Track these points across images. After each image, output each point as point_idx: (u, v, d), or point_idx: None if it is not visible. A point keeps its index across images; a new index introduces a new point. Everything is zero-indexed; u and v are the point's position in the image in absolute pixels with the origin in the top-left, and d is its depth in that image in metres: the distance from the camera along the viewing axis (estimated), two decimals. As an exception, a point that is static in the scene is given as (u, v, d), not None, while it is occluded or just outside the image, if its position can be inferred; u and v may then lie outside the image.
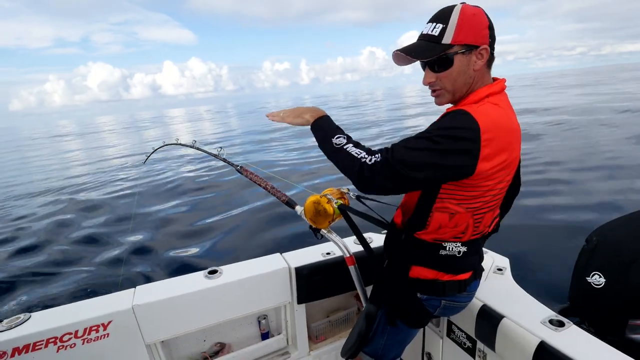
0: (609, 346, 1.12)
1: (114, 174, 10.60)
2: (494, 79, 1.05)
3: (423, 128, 0.98)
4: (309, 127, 1.15)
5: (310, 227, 1.39)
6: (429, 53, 0.98)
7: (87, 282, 3.93)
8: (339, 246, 1.44)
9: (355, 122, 19.76)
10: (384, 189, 0.95)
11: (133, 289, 1.58)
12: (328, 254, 1.81)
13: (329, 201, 1.30)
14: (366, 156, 0.96)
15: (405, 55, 1.00)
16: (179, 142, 2.14)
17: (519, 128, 1.03)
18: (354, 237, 1.91)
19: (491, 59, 1.01)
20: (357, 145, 1.01)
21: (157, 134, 30.15)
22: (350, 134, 1.07)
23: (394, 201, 1.37)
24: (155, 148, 2.27)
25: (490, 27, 0.99)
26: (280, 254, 1.85)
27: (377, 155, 0.95)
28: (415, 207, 1.07)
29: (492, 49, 1.00)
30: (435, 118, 1.04)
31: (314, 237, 1.42)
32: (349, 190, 1.41)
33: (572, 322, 1.23)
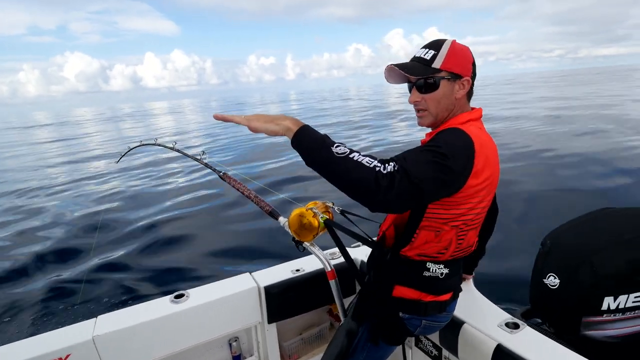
0: (560, 345, 1.23)
1: (85, 178, 9.65)
2: (472, 109, 1.16)
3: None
4: (289, 136, 0.95)
5: (293, 239, 1.38)
6: (419, 72, 1.07)
7: (37, 312, 3.59)
8: (321, 260, 1.45)
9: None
10: (402, 202, 0.87)
11: (94, 318, 1.47)
12: (297, 270, 1.82)
13: (315, 215, 1.29)
14: (379, 165, 0.87)
15: (398, 70, 1.07)
16: (157, 142, 1.95)
17: (496, 147, 1.10)
18: (327, 251, 1.94)
19: (471, 92, 1.13)
20: (360, 154, 0.90)
21: (136, 128, 27.76)
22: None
23: (378, 217, 1.41)
24: (131, 147, 2.07)
25: (474, 64, 1.11)
26: (250, 273, 1.83)
27: (391, 164, 0.87)
28: (407, 224, 1.11)
29: (473, 83, 1.12)
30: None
31: (296, 249, 1.42)
32: (333, 204, 1.43)
33: (526, 324, 1.33)
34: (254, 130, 0.99)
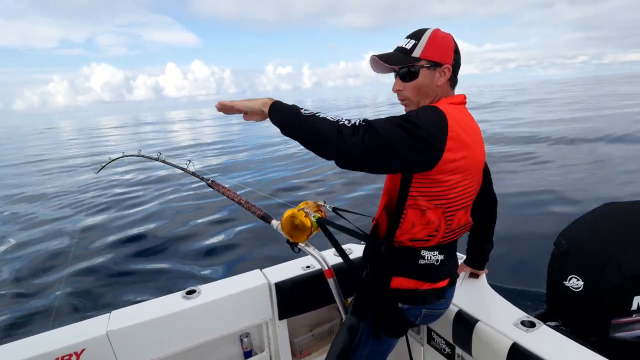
0: (579, 345, 1.17)
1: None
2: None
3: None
4: (265, 110, 1.05)
5: (288, 241, 1.39)
6: (398, 62, 1.10)
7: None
8: (317, 259, 1.45)
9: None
10: (366, 150, 0.92)
11: (108, 314, 1.53)
12: (308, 267, 1.81)
13: (307, 215, 1.30)
14: (344, 119, 0.95)
15: (379, 60, 1.10)
16: (140, 153, 1.95)
17: (479, 130, 1.12)
18: (332, 249, 1.92)
19: (454, 79, 1.14)
20: (328, 115, 0.99)
21: (157, 136, 29.08)
22: None
23: (371, 212, 1.40)
24: (112, 158, 2.03)
25: (456, 52, 1.12)
26: (260, 270, 1.84)
27: (357, 120, 0.94)
28: (396, 207, 1.12)
29: (456, 71, 1.13)
30: None
31: (292, 251, 1.42)
32: (325, 202, 1.42)
33: (542, 323, 1.27)
34: (238, 108, 1.08)
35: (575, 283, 1.43)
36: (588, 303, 1.41)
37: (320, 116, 0.96)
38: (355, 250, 1.93)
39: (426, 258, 1.13)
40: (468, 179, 1.09)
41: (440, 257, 1.14)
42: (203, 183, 1.77)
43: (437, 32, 1.10)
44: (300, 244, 1.39)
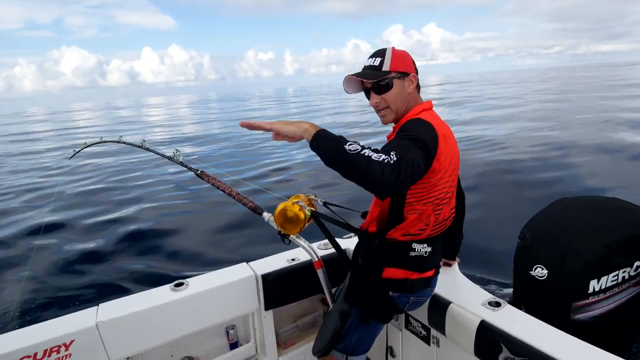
0: (539, 321, 1.30)
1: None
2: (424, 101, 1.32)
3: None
4: (308, 138, 1.05)
5: (279, 232, 1.43)
6: (373, 76, 1.23)
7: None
8: (307, 251, 1.50)
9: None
10: (407, 183, 1.01)
11: (96, 306, 1.53)
12: (293, 259, 1.87)
13: (301, 208, 1.34)
14: (386, 157, 0.98)
15: (355, 80, 1.24)
16: (121, 139, 1.79)
17: (451, 130, 1.26)
18: (318, 242, 1.99)
19: (418, 85, 1.30)
20: (370, 149, 1.01)
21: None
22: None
23: (358, 207, 1.49)
24: (88, 144, 1.83)
25: (414, 62, 1.28)
26: (247, 262, 1.88)
27: (392, 154, 0.98)
28: (390, 214, 1.23)
29: (417, 78, 1.28)
30: None
31: (282, 242, 1.47)
32: (316, 196, 1.47)
33: (507, 303, 1.40)
34: (277, 132, 1.09)
35: (539, 272, 1.57)
36: (551, 290, 1.55)
37: (366, 155, 0.97)
38: (340, 243, 2.00)
39: (416, 250, 1.24)
40: (452, 175, 1.22)
41: (429, 249, 1.26)
42: (191, 173, 1.71)
43: (394, 49, 1.26)
44: (291, 236, 1.43)
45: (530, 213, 1.76)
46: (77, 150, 1.87)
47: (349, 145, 0.99)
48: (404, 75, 1.23)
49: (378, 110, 1.28)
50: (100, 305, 1.55)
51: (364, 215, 1.43)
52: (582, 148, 8.13)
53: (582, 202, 1.77)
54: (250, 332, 1.92)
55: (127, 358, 1.56)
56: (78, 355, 1.39)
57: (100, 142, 1.82)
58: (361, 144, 1.01)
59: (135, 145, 1.80)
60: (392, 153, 0.98)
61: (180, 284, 1.68)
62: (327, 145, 1.02)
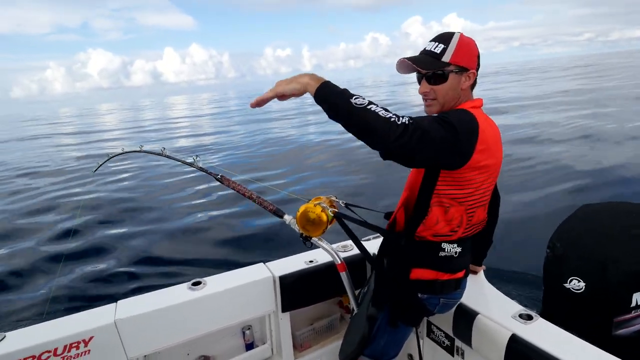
0: (575, 337, 1.21)
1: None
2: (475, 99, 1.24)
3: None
4: (311, 91, 1.02)
5: (301, 235, 1.40)
6: (430, 66, 1.14)
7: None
8: (330, 253, 1.46)
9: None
10: (411, 150, 0.95)
11: (114, 303, 1.54)
12: (311, 261, 1.82)
13: (323, 209, 1.31)
14: (394, 116, 0.95)
15: (410, 63, 1.14)
16: (142, 148, 1.82)
17: (499, 131, 1.18)
18: (336, 244, 1.94)
19: (474, 82, 1.21)
20: (378, 106, 0.98)
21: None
22: None
23: (381, 207, 1.43)
24: (110, 155, 1.87)
25: (478, 57, 1.18)
26: (264, 263, 1.85)
27: (406, 118, 0.95)
28: (417, 202, 1.17)
29: (477, 74, 1.20)
30: None
31: (304, 245, 1.43)
32: (337, 197, 1.43)
33: (539, 316, 1.31)
34: (281, 93, 1.06)
35: (576, 284, 1.44)
36: (590, 303, 1.43)
37: (372, 109, 0.95)
38: (351, 245, 1.95)
39: (446, 250, 1.18)
40: (490, 178, 1.15)
41: (459, 249, 1.20)
42: (211, 178, 1.70)
43: (462, 37, 1.15)
44: (314, 238, 1.40)
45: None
46: (100, 163, 1.90)
47: (355, 98, 0.97)
48: (463, 70, 1.14)
49: (424, 99, 1.21)
50: (119, 302, 1.55)
51: (387, 216, 1.37)
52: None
53: (611, 209, 1.65)
54: (266, 333, 1.89)
55: (145, 356, 1.56)
56: (97, 352, 1.40)
57: (122, 153, 1.85)
58: (368, 99, 0.98)
59: (155, 154, 1.81)
60: (405, 117, 0.96)
61: (198, 283, 1.67)
62: (331, 97, 1.00)
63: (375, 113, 0.94)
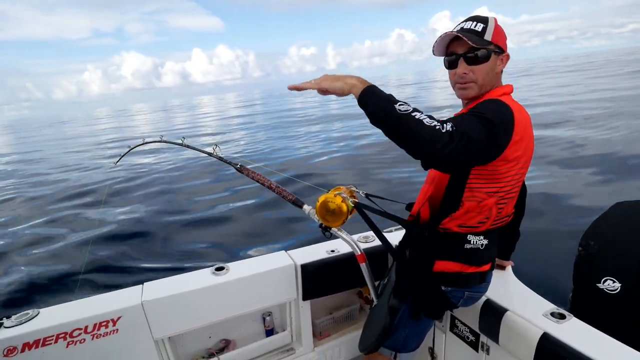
0: (609, 337, 1.16)
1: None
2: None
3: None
4: (356, 94, 1.00)
5: (321, 225, 1.40)
6: (476, 42, 1.08)
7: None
8: (350, 244, 1.45)
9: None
10: (457, 158, 0.92)
11: (140, 285, 1.60)
12: (332, 251, 1.83)
13: (343, 200, 1.30)
14: (438, 124, 0.92)
15: (447, 40, 1.13)
16: (163, 139, 1.86)
17: (531, 120, 1.13)
18: (358, 235, 1.93)
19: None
20: (423, 113, 0.95)
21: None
22: None
23: (402, 198, 1.41)
24: (131, 147, 1.91)
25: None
26: (286, 251, 1.87)
27: (449, 124, 0.92)
28: (445, 197, 1.14)
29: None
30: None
31: (323, 235, 1.43)
32: (357, 187, 1.42)
33: (572, 315, 1.26)
34: (324, 89, 1.05)
35: (610, 285, 1.38)
36: (626, 305, 1.36)
37: (417, 117, 0.91)
38: (373, 237, 1.94)
39: (472, 242, 1.15)
40: (523, 168, 1.12)
41: (485, 241, 1.17)
42: (231, 167, 1.73)
43: (496, 20, 1.13)
44: (333, 228, 1.39)
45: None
46: (122, 154, 1.96)
47: (400, 105, 0.94)
48: (501, 51, 1.12)
49: (461, 83, 1.14)
50: (145, 284, 1.61)
51: (408, 207, 1.35)
52: None
53: None
54: (286, 320, 1.92)
55: (169, 337, 1.61)
56: (124, 331, 1.46)
57: (143, 143, 1.89)
58: (412, 106, 0.94)
59: (176, 144, 1.86)
60: (448, 123, 0.92)
61: (221, 268, 1.71)
62: (375, 102, 0.96)
63: (419, 121, 0.90)
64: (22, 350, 1.32)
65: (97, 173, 9.92)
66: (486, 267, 1.23)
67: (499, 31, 1.11)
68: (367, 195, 1.43)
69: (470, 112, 1.00)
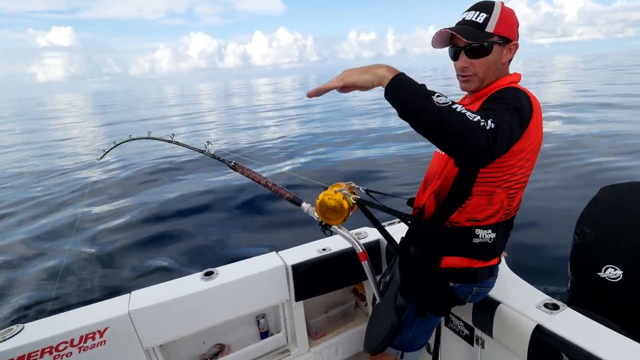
0: (604, 327, 1.16)
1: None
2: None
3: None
4: (384, 84, 0.89)
5: (321, 223, 1.35)
6: (475, 37, 1.04)
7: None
8: (351, 242, 1.42)
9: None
10: (499, 153, 0.87)
11: (128, 294, 1.53)
12: (324, 249, 1.80)
13: (344, 196, 1.26)
14: (482, 119, 0.84)
15: (446, 34, 1.08)
16: (150, 135, 1.78)
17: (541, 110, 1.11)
18: (353, 231, 1.91)
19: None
20: (461, 105, 0.87)
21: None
22: None
23: (403, 193, 1.38)
24: (117, 143, 1.82)
25: (518, 27, 1.10)
26: (276, 252, 1.83)
27: (490, 120, 0.85)
28: (453, 191, 1.10)
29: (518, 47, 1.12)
30: None
31: (323, 233, 1.39)
32: (357, 184, 1.38)
33: (566, 306, 1.26)
34: (350, 84, 0.92)
35: (612, 273, 1.35)
36: (629, 293, 1.34)
37: (458, 110, 0.83)
38: (370, 233, 1.92)
39: (480, 237, 1.12)
40: (534, 157, 1.09)
41: (493, 235, 1.13)
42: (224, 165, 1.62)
43: (504, 5, 1.07)
44: (334, 226, 1.35)
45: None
46: (106, 150, 1.85)
47: (437, 96, 0.83)
48: (506, 42, 1.07)
49: (462, 75, 1.12)
50: (133, 292, 1.55)
51: (409, 202, 1.33)
52: None
53: (635, 189, 1.52)
54: (281, 322, 1.89)
55: (160, 345, 1.57)
56: (112, 342, 1.40)
57: (128, 140, 1.79)
58: (450, 98, 0.86)
59: (164, 140, 1.75)
60: (488, 119, 0.84)
61: (210, 273, 1.66)
62: (409, 92, 0.85)
63: (462, 115, 0.82)
64: None
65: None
66: (494, 261, 1.20)
67: (505, 20, 1.05)
68: (368, 191, 1.39)
69: (498, 102, 0.97)
